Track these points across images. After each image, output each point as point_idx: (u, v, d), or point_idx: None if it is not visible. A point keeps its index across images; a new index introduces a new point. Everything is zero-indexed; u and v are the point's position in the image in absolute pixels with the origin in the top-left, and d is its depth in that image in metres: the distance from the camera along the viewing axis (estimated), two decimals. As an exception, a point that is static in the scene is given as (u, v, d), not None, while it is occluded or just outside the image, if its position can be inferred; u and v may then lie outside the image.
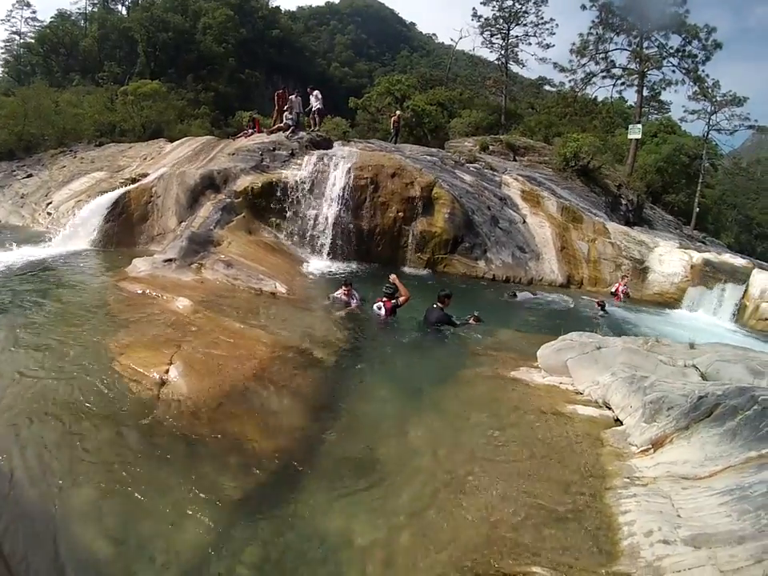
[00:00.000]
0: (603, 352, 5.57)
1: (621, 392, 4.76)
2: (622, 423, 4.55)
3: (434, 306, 8.09)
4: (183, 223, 11.95)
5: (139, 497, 3.46)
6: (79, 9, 53.05)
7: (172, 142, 19.27)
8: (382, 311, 8.11)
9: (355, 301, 8.60)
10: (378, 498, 3.66)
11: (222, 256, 9.69)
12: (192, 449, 4.02)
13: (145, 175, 14.64)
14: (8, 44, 52.03)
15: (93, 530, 3.16)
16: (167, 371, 4.88)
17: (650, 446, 4.03)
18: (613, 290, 14.01)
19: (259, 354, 5.57)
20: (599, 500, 3.51)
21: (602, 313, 11.46)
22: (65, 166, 19.74)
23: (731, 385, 4.20)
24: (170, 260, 9.06)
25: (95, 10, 53.30)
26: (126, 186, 13.80)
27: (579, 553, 3.05)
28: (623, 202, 23.68)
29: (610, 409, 4.88)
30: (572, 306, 12.25)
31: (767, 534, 2.62)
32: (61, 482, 3.47)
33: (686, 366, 5.33)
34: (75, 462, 3.66)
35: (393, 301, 8.20)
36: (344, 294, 8.59)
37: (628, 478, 3.73)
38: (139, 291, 7.59)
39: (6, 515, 3.14)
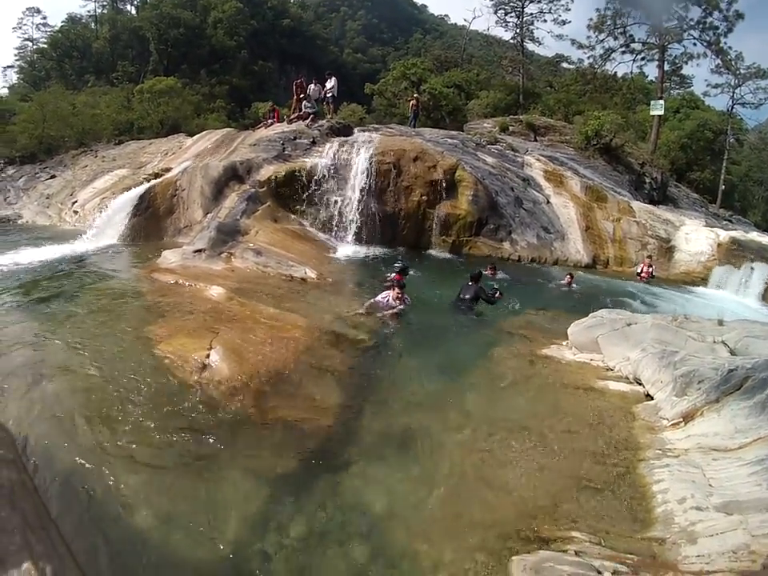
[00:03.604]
0: (633, 328, 5.63)
1: (651, 367, 4.84)
2: (652, 398, 4.65)
3: (469, 283, 8.29)
4: (209, 214, 12.09)
5: (187, 476, 3.63)
6: (89, 11, 53.47)
7: (191, 136, 19.46)
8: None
9: (404, 304, 7.53)
10: (419, 471, 3.81)
11: (251, 244, 9.80)
12: (235, 429, 4.18)
13: (168, 170, 14.81)
14: (22, 51, 52.73)
15: (144, 507, 3.30)
16: (208, 356, 5.03)
17: (681, 419, 4.13)
18: (638, 270, 13.83)
19: (296, 337, 5.72)
20: (633, 471, 3.64)
21: (571, 286, 11.53)
22: (87, 166, 20.05)
23: (760, 359, 4.24)
24: (200, 250, 9.22)
25: (105, 11, 53.68)
26: (150, 180, 14.01)
27: (615, 520, 3.19)
28: (647, 180, 23.27)
29: (640, 384, 4.96)
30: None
31: (797, 502, 2.71)
32: (113, 462, 3.62)
33: (714, 341, 5.35)
34: (125, 444, 3.81)
35: (403, 278, 8.01)
36: (396, 297, 7.46)
37: (660, 449, 3.85)
38: (172, 281, 7.76)
39: (63, 496, 3.27)
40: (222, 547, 3.08)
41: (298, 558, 3.07)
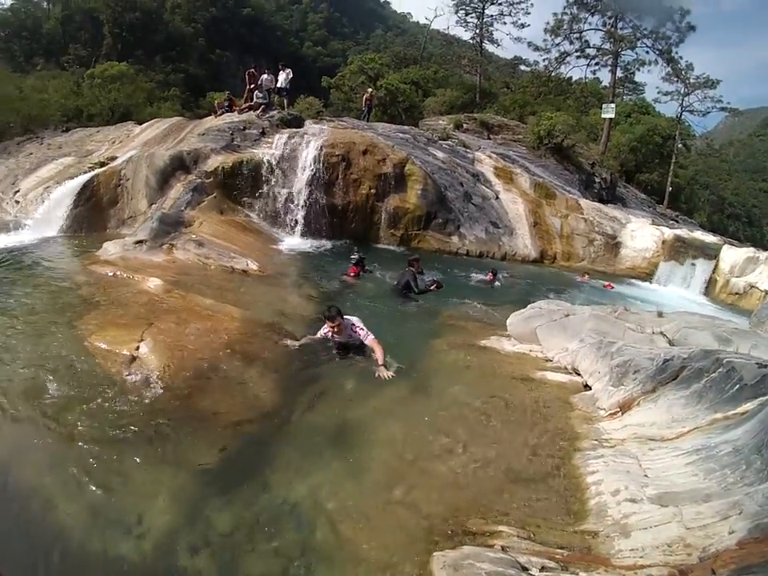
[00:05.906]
0: (572, 319, 5.66)
1: (589, 358, 4.84)
2: (590, 388, 4.63)
3: (406, 269, 8.37)
4: (154, 205, 11.72)
5: (114, 472, 3.46)
6: (41, -11, 50.84)
7: (141, 124, 18.78)
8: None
9: (354, 334, 5.53)
10: (350, 465, 3.68)
11: (194, 236, 9.57)
12: (163, 422, 4.00)
13: (113, 159, 14.22)
14: (-32, 29, 49.59)
15: (69, 505, 3.16)
16: (137, 348, 4.89)
17: (618, 409, 4.10)
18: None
19: (230, 329, 5.60)
20: (568, 462, 3.57)
21: (493, 284, 10.81)
22: (32, 153, 18.99)
23: (696, 348, 4.27)
24: (141, 241, 8.94)
25: (58, -10, 51.12)
26: (94, 170, 13.40)
27: (547, 512, 3.10)
28: (597, 180, 23.92)
29: (578, 374, 4.96)
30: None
31: (733, 492, 2.67)
32: (38, 460, 3.50)
33: (653, 333, 5.43)
34: (50, 442, 3.66)
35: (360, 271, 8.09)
36: (331, 330, 5.46)
37: (596, 440, 3.80)
38: (110, 274, 7.52)
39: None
40: (148, 543, 2.96)
41: (226, 553, 2.95)
